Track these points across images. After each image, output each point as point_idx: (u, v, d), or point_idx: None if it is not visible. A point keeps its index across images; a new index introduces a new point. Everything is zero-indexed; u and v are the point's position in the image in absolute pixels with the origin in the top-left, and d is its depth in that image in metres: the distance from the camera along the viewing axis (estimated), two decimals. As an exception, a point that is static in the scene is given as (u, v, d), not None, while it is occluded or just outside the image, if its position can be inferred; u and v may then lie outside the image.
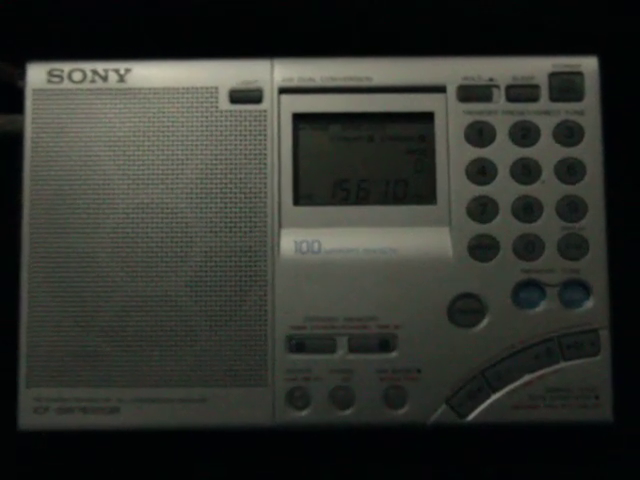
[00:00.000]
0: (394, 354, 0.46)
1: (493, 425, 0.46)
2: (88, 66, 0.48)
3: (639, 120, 0.53)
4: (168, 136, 0.47)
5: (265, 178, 0.47)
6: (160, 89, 0.47)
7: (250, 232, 0.47)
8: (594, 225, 0.47)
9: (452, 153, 0.48)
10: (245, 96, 0.47)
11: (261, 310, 0.46)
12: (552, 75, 0.48)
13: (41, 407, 0.46)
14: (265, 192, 0.47)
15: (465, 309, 0.46)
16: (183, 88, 0.47)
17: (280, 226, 0.47)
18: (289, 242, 0.47)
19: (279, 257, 0.46)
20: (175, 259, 0.46)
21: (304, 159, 0.48)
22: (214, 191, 0.47)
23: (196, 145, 0.47)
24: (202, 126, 0.47)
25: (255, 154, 0.47)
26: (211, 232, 0.46)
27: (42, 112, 0.47)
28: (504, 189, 0.47)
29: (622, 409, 0.46)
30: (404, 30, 0.54)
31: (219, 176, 0.47)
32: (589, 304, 0.47)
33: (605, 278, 0.47)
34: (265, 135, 0.47)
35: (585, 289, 0.47)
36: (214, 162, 0.47)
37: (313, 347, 0.46)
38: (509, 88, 0.48)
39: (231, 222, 0.47)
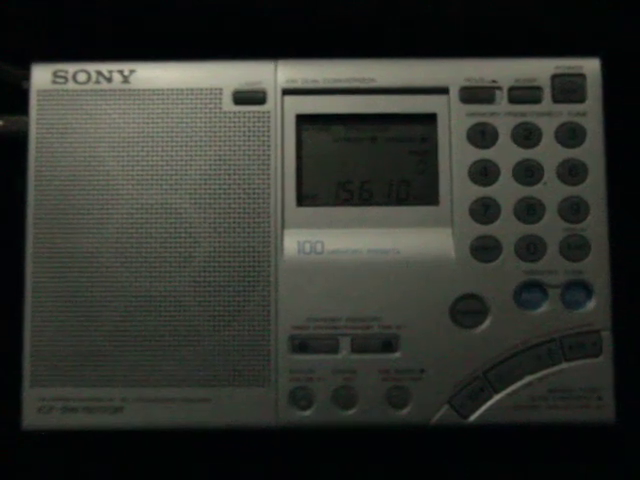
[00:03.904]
0: (397, 354, 0.46)
1: (495, 425, 0.46)
2: (92, 67, 0.48)
3: (641, 121, 0.53)
4: (172, 137, 0.47)
5: (268, 179, 0.47)
6: (164, 90, 0.48)
7: (253, 233, 0.47)
8: (596, 226, 0.47)
9: (454, 154, 0.48)
10: (249, 97, 0.48)
11: (264, 310, 0.46)
12: (554, 77, 0.48)
13: (45, 407, 0.46)
14: (268, 193, 0.47)
15: (467, 310, 0.47)
16: (187, 89, 0.48)
17: (283, 227, 0.47)
18: (292, 243, 0.47)
19: (282, 258, 0.47)
20: (179, 259, 0.46)
21: (307, 160, 0.48)
22: (218, 192, 0.47)
23: (200, 146, 0.47)
24: (206, 127, 0.47)
25: (258, 155, 0.47)
26: (215, 233, 0.47)
27: (46, 113, 0.47)
28: (506, 190, 0.47)
29: (624, 409, 0.46)
30: (407, 32, 0.54)
31: (223, 177, 0.47)
32: (591, 305, 0.47)
33: (607, 279, 0.47)
34: (268, 136, 0.47)
35: (587, 290, 0.47)
36: (218, 163, 0.47)
37: (316, 347, 0.46)
38: (511, 90, 0.48)
39: (234, 223, 0.47)
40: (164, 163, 0.47)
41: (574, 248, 0.47)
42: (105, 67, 0.48)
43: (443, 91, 0.48)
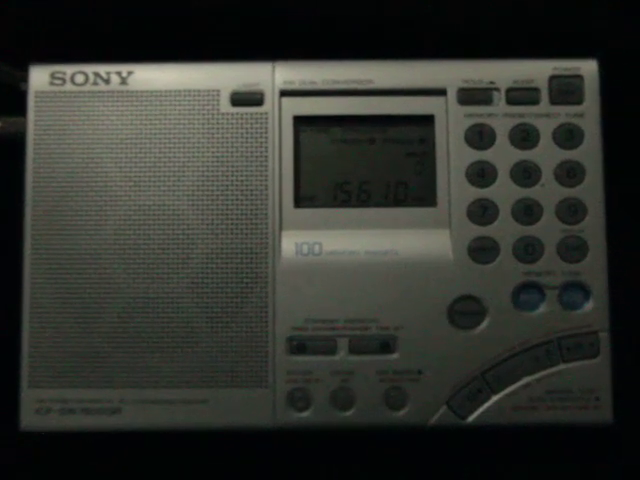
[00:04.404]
0: (394, 356, 0.46)
1: (493, 426, 0.46)
2: (90, 69, 0.48)
3: (638, 123, 0.53)
4: (170, 138, 0.47)
5: (266, 180, 0.47)
6: (162, 92, 0.48)
7: (251, 234, 0.47)
8: (594, 227, 0.47)
9: (452, 156, 0.48)
10: (246, 99, 0.48)
11: (262, 312, 0.46)
12: (552, 78, 0.48)
13: (43, 408, 0.46)
14: (266, 194, 0.47)
15: (465, 311, 0.47)
16: (185, 91, 0.48)
17: (281, 228, 0.47)
18: (290, 244, 0.47)
19: (280, 259, 0.47)
20: (177, 261, 0.46)
21: (305, 161, 0.48)
22: (215, 193, 0.47)
23: (198, 147, 0.47)
24: (203, 128, 0.47)
25: (256, 156, 0.47)
26: (212, 234, 0.47)
27: (44, 114, 0.47)
28: (504, 192, 0.47)
29: (622, 410, 0.46)
30: (405, 33, 0.54)
31: (220, 178, 0.47)
32: (589, 306, 0.47)
33: (605, 280, 0.47)
34: (266, 138, 0.47)
35: (585, 291, 0.47)
36: (215, 164, 0.47)
37: (314, 348, 0.46)
38: (509, 91, 0.48)
39: (232, 224, 0.47)
40: (162, 164, 0.47)
41: (572, 249, 0.47)
42: (103, 69, 0.48)
43: (441, 92, 0.48)
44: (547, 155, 0.48)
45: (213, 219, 0.47)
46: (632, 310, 0.51)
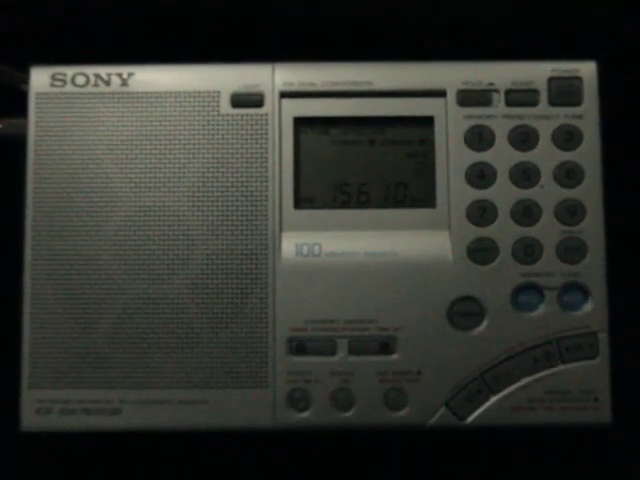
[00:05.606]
0: (394, 356, 0.46)
1: (492, 427, 0.46)
2: (91, 70, 0.48)
3: (637, 124, 0.53)
4: (170, 140, 0.47)
5: (266, 181, 0.47)
6: (162, 93, 0.48)
7: (251, 235, 0.47)
8: (593, 228, 0.47)
9: (452, 157, 0.48)
10: (246, 100, 0.48)
11: (262, 312, 0.46)
12: (551, 80, 0.48)
13: (43, 408, 0.46)
14: (266, 195, 0.47)
15: (464, 312, 0.47)
16: (185, 92, 0.48)
17: (281, 229, 0.47)
18: (290, 245, 0.47)
19: (280, 260, 0.47)
20: (177, 262, 0.47)
21: (305, 163, 0.48)
22: (216, 194, 0.47)
23: (198, 149, 0.47)
24: (204, 130, 0.47)
25: (256, 158, 0.47)
26: (212, 235, 0.47)
27: (45, 116, 0.48)
28: (503, 193, 0.47)
29: (620, 411, 0.46)
30: (404, 35, 0.54)
31: (221, 179, 0.47)
32: (588, 307, 0.47)
33: (603, 281, 0.47)
34: (266, 139, 0.48)
35: (584, 292, 0.47)
36: (216, 165, 0.47)
37: (314, 349, 0.46)
38: (508, 93, 0.48)
39: (232, 225, 0.47)
40: (162, 166, 0.47)
41: (571, 250, 0.47)
42: (104, 70, 0.48)
43: (440, 94, 0.48)
44: (546, 156, 0.48)
45: (213, 220, 0.47)
46: (631, 311, 0.51)
